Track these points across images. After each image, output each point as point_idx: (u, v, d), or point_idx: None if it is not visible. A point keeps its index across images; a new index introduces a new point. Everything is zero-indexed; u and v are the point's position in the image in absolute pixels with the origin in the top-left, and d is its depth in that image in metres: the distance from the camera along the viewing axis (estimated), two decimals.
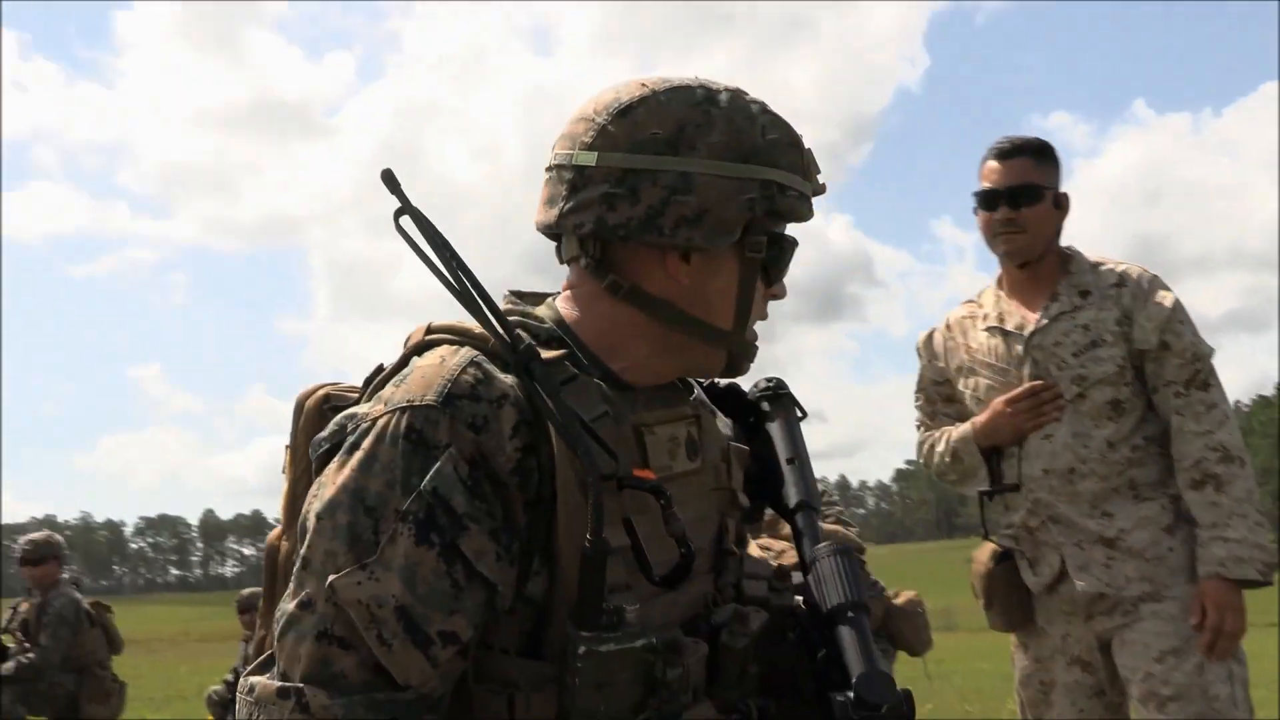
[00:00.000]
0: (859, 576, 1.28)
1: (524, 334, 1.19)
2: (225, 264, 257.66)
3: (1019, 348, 2.84)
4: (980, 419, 2.87)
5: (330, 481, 1.14)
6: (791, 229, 1.32)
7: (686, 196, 1.21)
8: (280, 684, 1.09)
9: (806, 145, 1.30)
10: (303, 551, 1.13)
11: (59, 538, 6.85)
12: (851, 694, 1.15)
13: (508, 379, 1.16)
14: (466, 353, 1.19)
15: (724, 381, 1.48)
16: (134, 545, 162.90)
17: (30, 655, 6.48)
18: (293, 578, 1.13)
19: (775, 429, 1.47)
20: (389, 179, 1.16)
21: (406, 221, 1.18)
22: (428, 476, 1.10)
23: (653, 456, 1.23)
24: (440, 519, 1.10)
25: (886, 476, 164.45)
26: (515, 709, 1.14)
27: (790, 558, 4.74)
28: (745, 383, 1.51)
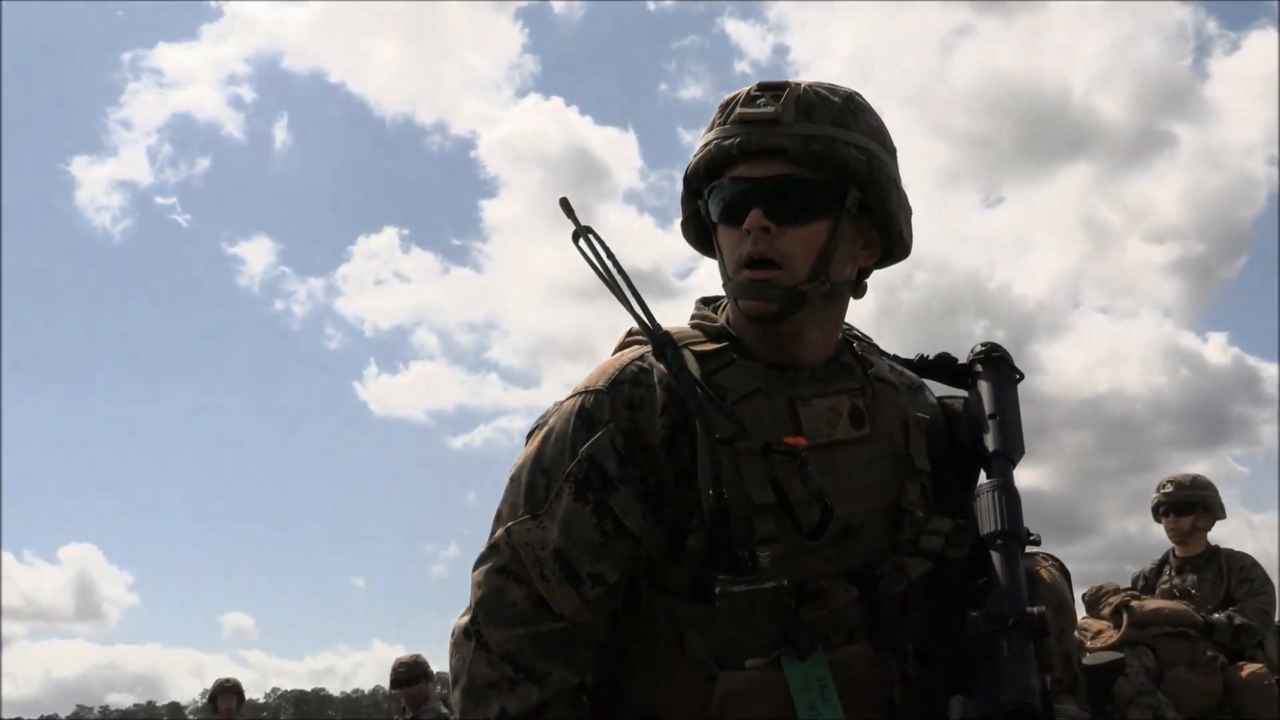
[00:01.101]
0: (1014, 509, 1.34)
1: (671, 328, 1.41)
2: None
3: None
4: None
5: (524, 451, 1.41)
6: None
7: None
8: (465, 624, 1.35)
9: (746, 95, 1.42)
10: (498, 506, 1.39)
11: (425, 659, 7.51)
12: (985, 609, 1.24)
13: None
14: (639, 349, 1.43)
15: (934, 354, 1.61)
16: None
17: None
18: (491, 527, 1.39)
19: (984, 388, 1.54)
20: (565, 206, 1.43)
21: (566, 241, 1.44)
22: (588, 444, 1.35)
23: (807, 424, 1.37)
24: (594, 480, 1.34)
25: None
26: (685, 644, 1.34)
27: (1106, 638, 4.51)
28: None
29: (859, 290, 1.48)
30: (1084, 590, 4.39)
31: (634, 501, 1.34)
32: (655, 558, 1.36)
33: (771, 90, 1.40)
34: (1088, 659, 3.82)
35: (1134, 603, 4.21)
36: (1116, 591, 4.32)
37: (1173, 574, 4.90)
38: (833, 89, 1.42)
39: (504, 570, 1.35)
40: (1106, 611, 4.36)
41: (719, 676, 1.30)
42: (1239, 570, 4.82)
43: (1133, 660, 3.88)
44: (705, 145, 1.43)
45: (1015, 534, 1.32)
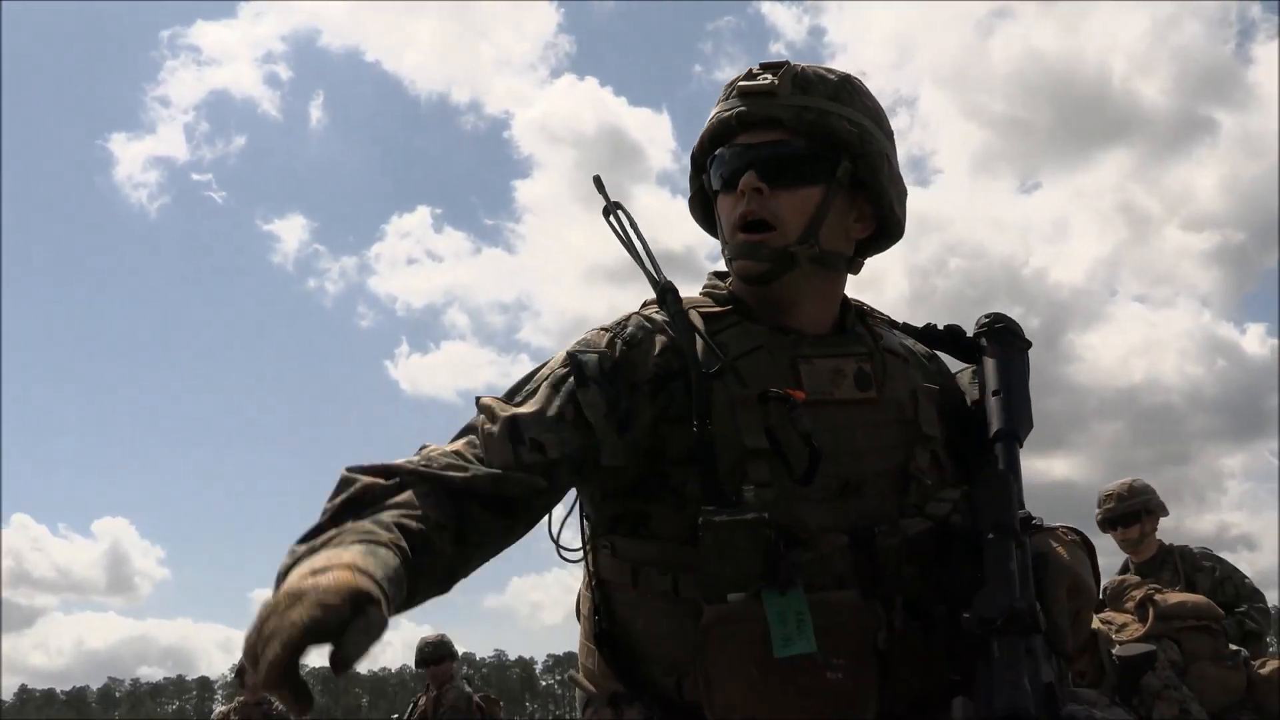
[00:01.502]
0: (1008, 499, 1.33)
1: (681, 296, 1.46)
2: None
3: None
4: None
5: None
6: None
7: None
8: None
9: (747, 73, 1.52)
10: None
11: (450, 639, 7.57)
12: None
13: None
14: (650, 309, 1.50)
15: (944, 325, 1.61)
16: (544, 682, 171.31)
17: None
18: None
19: (988, 363, 1.55)
20: (598, 183, 1.50)
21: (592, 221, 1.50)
22: (580, 355, 1.41)
23: (807, 382, 1.41)
24: (570, 377, 1.39)
25: None
26: (679, 587, 1.37)
27: (1131, 632, 4.47)
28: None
29: (855, 266, 1.55)
30: (1106, 582, 4.39)
31: (600, 401, 1.38)
32: (605, 461, 1.37)
33: (771, 68, 1.50)
34: (1118, 650, 3.81)
35: (1157, 596, 4.21)
36: (1139, 585, 4.32)
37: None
38: (830, 70, 1.52)
39: (469, 429, 1.38)
40: (1130, 605, 4.36)
41: (704, 609, 1.30)
42: (1190, 560, 5.06)
43: (1159, 654, 3.88)
44: (710, 121, 1.51)
45: (1008, 525, 1.31)
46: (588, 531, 1.50)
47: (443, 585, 1.29)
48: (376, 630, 1.03)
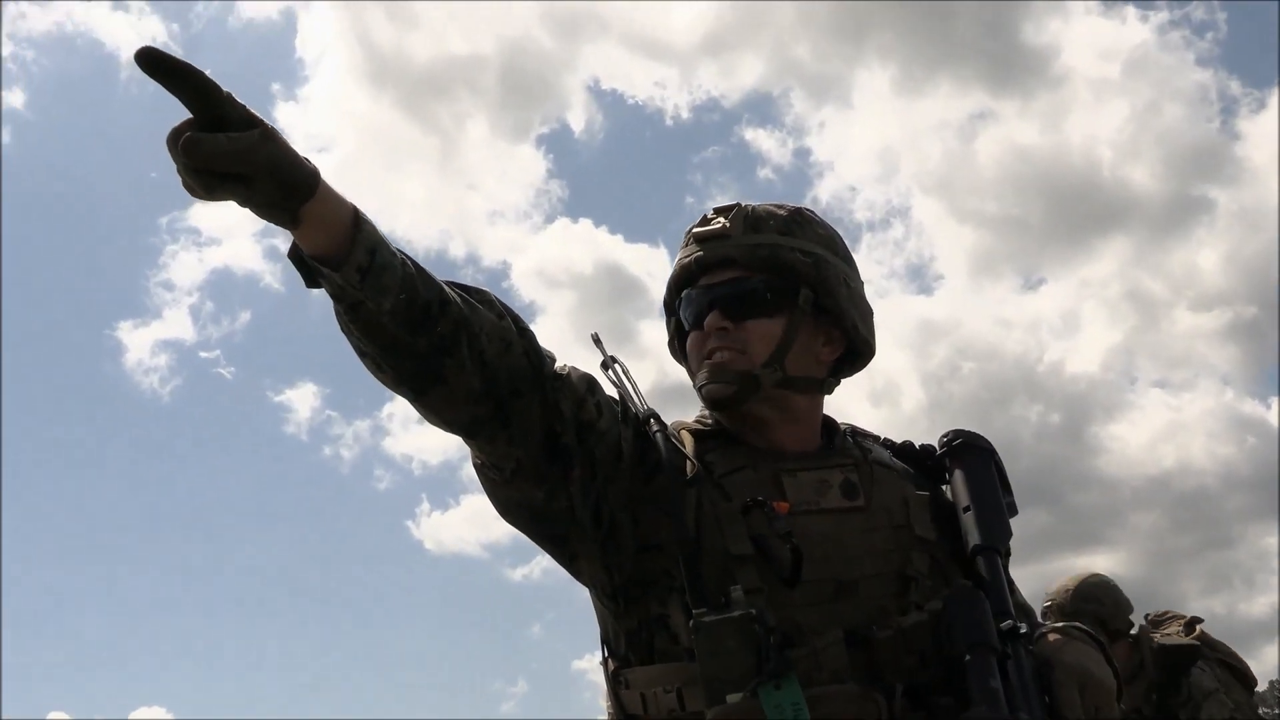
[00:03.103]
0: (983, 618, 1.37)
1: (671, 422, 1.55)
2: None
3: None
4: None
5: None
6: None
7: None
8: None
9: (701, 219, 1.60)
10: None
11: None
12: None
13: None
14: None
15: (919, 443, 1.65)
16: None
17: None
18: None
19: (956, 480, 1.58)
20: (595, 340, 1.57)
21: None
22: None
23: (792, 493, 1.45)
24: (608, 385, 1.51)
25: None
26: (684, 701, 1.39)
27: (1174, 634, 3.95)
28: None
29: (828, 387, 1.61)
30: (1146, 613, 4.21)
31: (613, 423, 1.46)
32: (598, 455, 1.44)
33: (723, 211, 1.58)
34: (1159, 638, 3.75)
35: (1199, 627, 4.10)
36: (1180, 617, 4.19)
37: None
38: (780, 205, 1.60)
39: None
40: (1172, 629, 4.20)
41: (706, 714, 1.32)
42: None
43: (1206, 664, 3.74)
44: (674, 267, 1.60)
45: (984, 641, 1.35)
46: (612, 666, 1.51)
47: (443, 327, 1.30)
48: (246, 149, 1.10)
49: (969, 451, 1.60)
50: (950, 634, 1.37)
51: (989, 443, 1.61)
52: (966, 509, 1.53)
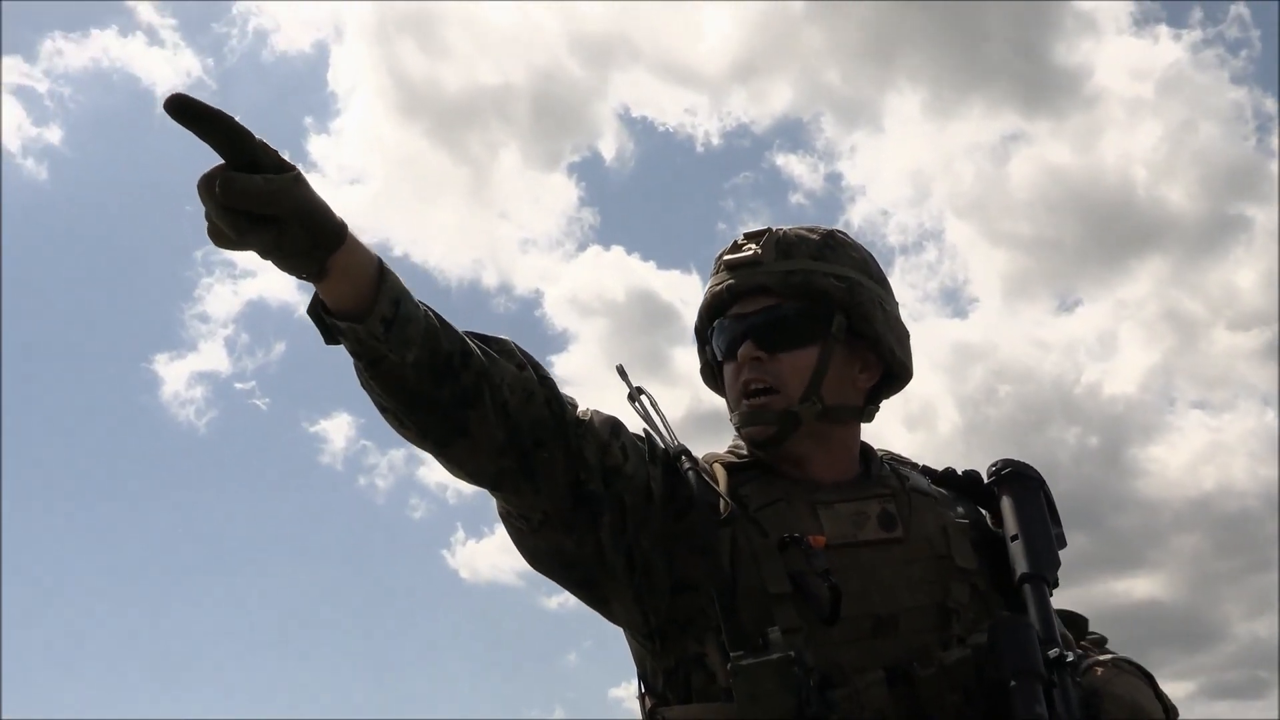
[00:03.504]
0: (1030, 645, 1.35)
1: (704, 454, 1.54)
2: None
3: None
4: None
5: None
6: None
7: None
8: None
9: (732, 245, 1.58)
10: None
11: None
12: None
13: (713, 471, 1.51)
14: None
15: (963, 470, 1.64)
16: None
17: None
18: None
19: (1005, 508, 1.56)
20: (621, 371, 1.56)
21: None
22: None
23: (829, 527, 1.44)
24: (636, 427, 1.51)
25: None
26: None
27: None
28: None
29: (867, 414, 1.59)
30: None
31: (640, 464, 1.44)
32: (627, 500, 1.42)
33: (754, 237, 1.55)
34: None
35: None
36: None
37: None
38: (812, 229, 1.56)
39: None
40: None
41: None
42: None
43: None
44: (705, 295, 1.58)
45: (1031, 670, 1.32)
46: (649, 703, 1.50)
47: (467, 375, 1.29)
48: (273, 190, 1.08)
49: (1018, 481, 1.58)
50: (996, 660, 1.35)
51: (1038, 473, 1.60)
52: (1015, 537, 1.51)
